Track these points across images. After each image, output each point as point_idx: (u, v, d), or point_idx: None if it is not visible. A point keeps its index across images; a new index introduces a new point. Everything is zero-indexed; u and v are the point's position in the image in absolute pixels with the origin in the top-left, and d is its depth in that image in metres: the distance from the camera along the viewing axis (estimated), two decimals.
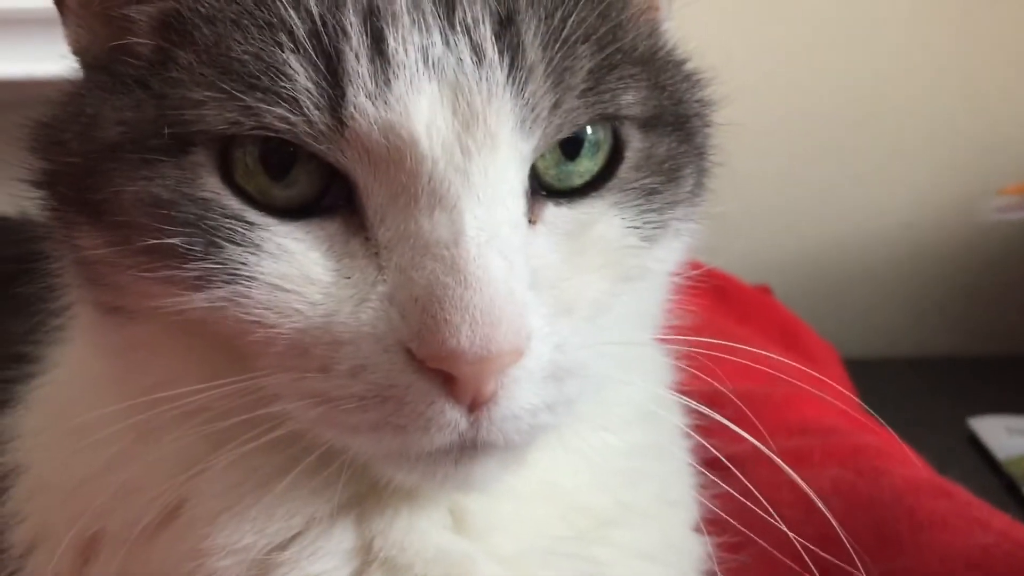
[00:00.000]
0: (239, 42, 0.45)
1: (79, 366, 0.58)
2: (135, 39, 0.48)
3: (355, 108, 0.43)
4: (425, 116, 0.44)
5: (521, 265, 0.45)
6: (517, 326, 0.43)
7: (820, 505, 0.58)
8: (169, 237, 0.45)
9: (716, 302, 1.20)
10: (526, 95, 0.45)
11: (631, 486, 0.58)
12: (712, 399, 0.58)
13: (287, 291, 0.45)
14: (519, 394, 0.44)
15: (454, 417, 0.44)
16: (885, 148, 1.66)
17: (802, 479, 0.57)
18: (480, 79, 0.44)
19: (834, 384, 0.90)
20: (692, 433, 0.58)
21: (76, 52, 0.53)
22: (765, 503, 0.54)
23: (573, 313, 0.47)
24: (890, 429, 0.77)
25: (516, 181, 0.46)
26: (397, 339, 0.43)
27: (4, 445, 0.60)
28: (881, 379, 1.27)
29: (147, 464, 0.51)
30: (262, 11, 0.45)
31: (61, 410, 0.58)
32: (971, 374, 1.51)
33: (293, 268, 0.45)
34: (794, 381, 0.67)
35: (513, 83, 0.45)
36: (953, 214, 1.67)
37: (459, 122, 0.44)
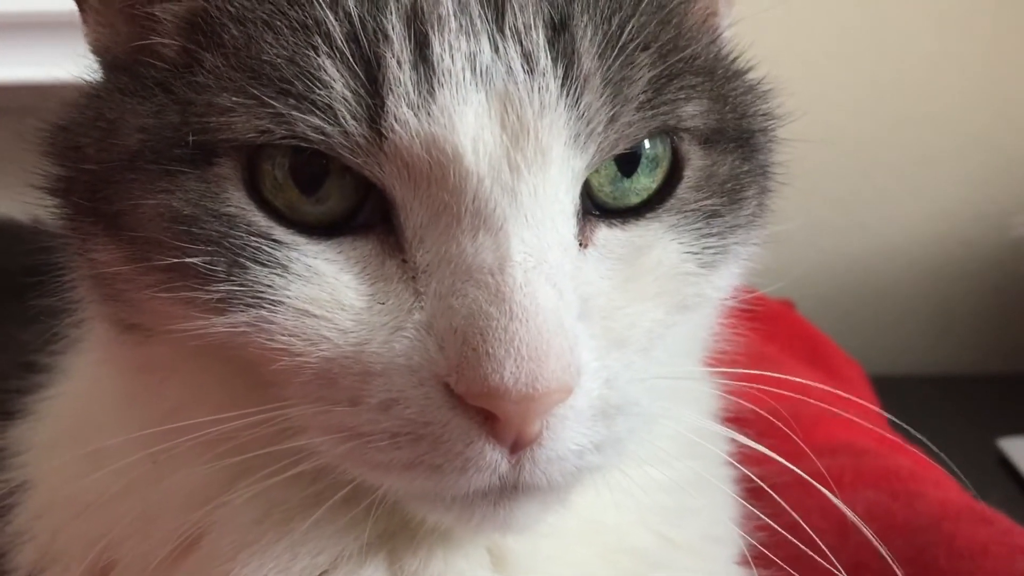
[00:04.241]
0: (271, 44, 0.42)
1: (93, 381, 0.56)
2: (159, 39, 0.46)
3: (396, 119, 0.40)
4: (471, 129, 0.41)
5: (571, 293, 0.42)
6: (566, 361, 0.39)
7: (861, 526, 0.55)
8: (189, 256, 0.42)
9: (742, 318, 1.19)
10: (581, 107, 0.42)
11: (677, 523, 0.55)
12: (738, 420, 0.56)
13: (316, 317, 0.42)
14: (565, 434, 0.41)
15: (494, 458, 0.41)
16: (911, 160, 1.64)
17: (834, 503, 0.54)
18: (532, 90, 0.41)
19: (864, 403, 0.88)
20: (734, 463, 0.56)
21: (96, 52, 0.51)
22: (808, 530, 0.52)
23: (625, 345, 0.44)
24: (922, 449, 0.75)
25: (567, 201, 0.43)
26: (434, 372, 0.40)
27: (11, 460, 0.58)
28: (905, 397, 1.23)
29: (164, 494, 0.48)
30: (296, 11, 0.42)
31: (73, 427, 0.56)
32: (1001, 393, 1.47)
33: (323, 292, 0.42)
34: (822, 404, 0.64)
35: (567, 94, 0.42)
36: (981, 229, 1.64)
37: (508, 136, 0.41)
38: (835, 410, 0.81)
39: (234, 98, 0.42)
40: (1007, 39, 1.61)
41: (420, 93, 0.41)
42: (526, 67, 0.41)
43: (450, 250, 0.41)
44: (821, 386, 0.63)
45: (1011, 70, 1.61)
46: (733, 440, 0.54)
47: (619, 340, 0.44)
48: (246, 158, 0.43)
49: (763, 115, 0.52)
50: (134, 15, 0.47)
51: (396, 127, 0.40)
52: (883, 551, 0.54)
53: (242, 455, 0.44)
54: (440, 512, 0.45)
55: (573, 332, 0.41)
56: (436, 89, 0.41)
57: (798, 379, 0.58)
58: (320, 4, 0.42)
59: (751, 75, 0.53)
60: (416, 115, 0.41)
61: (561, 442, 0.41)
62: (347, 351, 0.42)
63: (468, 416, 0.40)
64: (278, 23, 0.42)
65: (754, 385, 0.52)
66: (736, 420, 0.57)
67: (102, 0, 0.49)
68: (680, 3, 0.48)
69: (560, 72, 0.42)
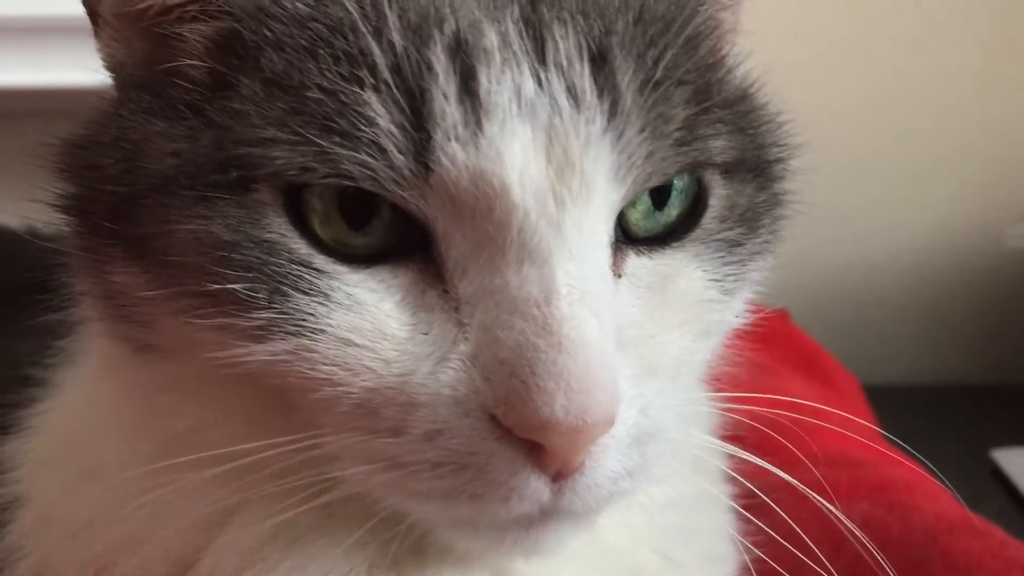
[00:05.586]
0: (313, 74, 0.41)
1: (92, 398, 0.55)
2: (188, 61, 0.45)
3: (444, 153, 0.40)
4: (518, 163, 0.40)
5: (609, 323, 0.41)
6: (611, 393, 0.40)
7: (861, 536, 0.55)
8: (230, 282, 0.41)
9: (741, 336, 1.18)
10: (623, 142, 0.42)
11: (679, 542, 0.55)
12: (732, 436, 0.56)
13: (358, 346, 0.41)
14: (605, 462, 0.41)
15: (538, 487, 0.41)
16: (905, 172, 1.65)
17: (829, 514, 0.55)
18: (578, 123, 0.41)
19: (859, 420, 0.88)
20: (734, 475, 0.56)
21: (110, 67, 0.50)
22: (808, 541, 0.52)
23: (657, 373, 0.44)
24: (915, 460, 0.75)
25: (604, 232, 0.43)
26: (479, 403, 0.40)
27: (5, 475, 0.57)
28: (899, 408, 1.23)
29: (164, 515, 0.47)
30: (340, 40, 0.41)
31: (69, 442, 0.55)
32: (994, 404, 1.48)
33: (365, 321, 0.41)
34: (815, 421, 0.65)
35: (612, 129, 0.41)
36: (974, 240, 1.65)
37: (553, 170, 0.41)
38: (829, 426, 0.81)
39: (275, 131, 0.41)
40: (1001, 51, 1.62)
41: (468, 126, 0.40)
42: (571, 100, 0.41)
43: (494, 282, 0.41)
44: (814, 404, 0.63)
45: (1005, 83, 1.62)
46: (729, 456, 0.54)
47: (651, 368, 0.44)
48: (285, 183, 0.42)
49: (779, 146, 0.52)
50: (158, 34, 0.46)
51: (444, 161, 0.40)
52: (883, 561, 0.54)
53: (266, 485, 0.43)
54: (471, 538, 0.45)
55: (614, 363, 0.41)
56: (484, 122, 0.40)
57: (791, 399, 0.59)
58: (365, 34, 0.41)
59: (769, 106, 0.53)
60: (464, 149, 0.40)
61: (600, 470, 0.41)
62: (390, 381, 0.41)
63: (514, 447, 0.40)
64: (320, 52, 0.41)
65: (749, 407, 0.52)
66: (730, 436, 0.57)
67: (117, 15, 0.48)
68: (707, 37, 0.49)
69: (606, 106, 0.42)
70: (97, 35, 0.50)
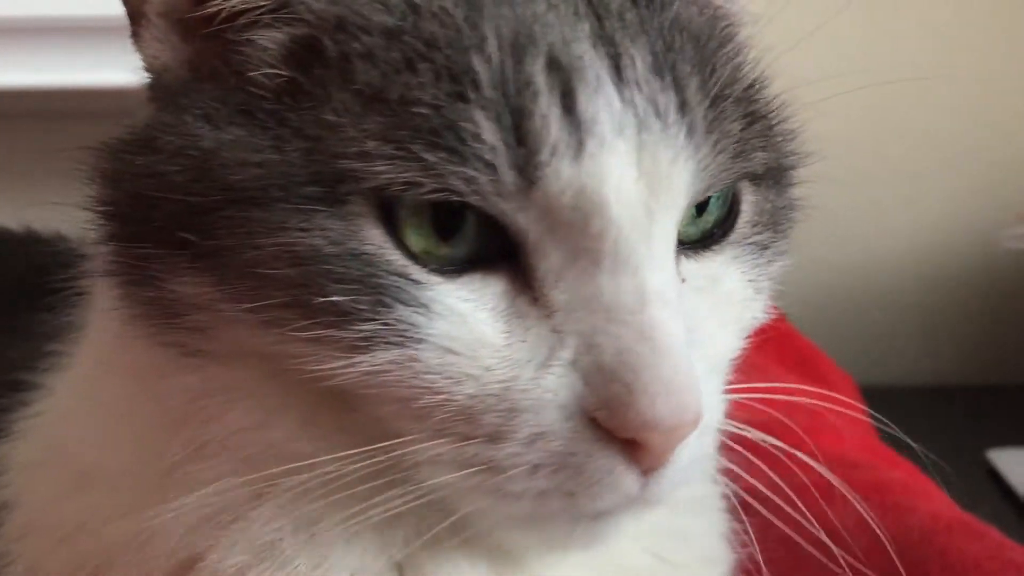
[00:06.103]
0: (414, 88, 0.41)
1: (91, 402, 0.54)
2: (262, 69, 0.44)
3: (549, 169, 0.41)
4: (615, 179, 0.42)
5: (683, 326, 0.43)
6: (699, 391, 0.42)
7: (875, 525, 0.58)
8: (333, 295, 0.41)
9: None
10: (699, 156, 0.44)
11: (673, 544, 0.56)
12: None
13: (459, 354, 0.42)
14: (684, 455, 0.44)
15: (630, 482, 0.43)
16: (901, 173, 1.65)
17: (827, 514, 0.56)
18: (666, 138, 0.43)
19: (857, 415, 0.88)
20: (734, 468, 0.56)
21: (153, 69, 0.48)
22: (826, 539, 0.53)
23: (717, 371, 0.47)
24: (911, 460, 0.75)
25: (674, 240, 0.45)
26: (581, 407, 0.42)
27: None
28: (895, 408, 1.22)
29: (171, 513, 0.47)
30: (438, 55, 0.42)
31: (61, 446, 0.54)
32: (991, 405, 1.48)
33: (464, 330, 0.42)
34: (815, 412, 0.65)
35: (692, 144, 0.43)
36: (970, 241, 1.65)
37: (644, 183, 0.42)
38: (830, 418, 0.81)
39: (377, 145, 0.41)
40: (998, 51, 1.62)
41: (570, 143, 0.41)
42: (656, 116, 0.43)
43: (588, 290, 0.42)
44: (812, 401, 0.63)
45: (1002, 83, 1.62)
46: (728, 452, 0.54)
47: (713, 367, 0.47)
48: (382, 195, 0.42)
49: (795, 155, 0.55)
50: (223, 39, 0.45)
51: (549, 177, 0.41)
52: (890, 549, 0.57)
53: (342, 493, 0.44)
54: (538, 535, 0.47)
55: (696, 364, 0.43)
56: (585, 139, 0.41)
57: (789, 396, 0.59)
58: (467, 50, 0.42)
59: (788, 116, 0.55)
60: (569, 165, 0.41)
61: (680, 461, 0.44)
62: (493, 388, 0.42)
63: (611, 446, 0.42)
64: (419, 66, 0.42)
65: (749, 406, 0.53)
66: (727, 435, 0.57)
67: (163, 15, 0.47)
68: (744, 52, 0.50)
69: (685, 121, 0.43)
70: (137, 35, 0.48)
